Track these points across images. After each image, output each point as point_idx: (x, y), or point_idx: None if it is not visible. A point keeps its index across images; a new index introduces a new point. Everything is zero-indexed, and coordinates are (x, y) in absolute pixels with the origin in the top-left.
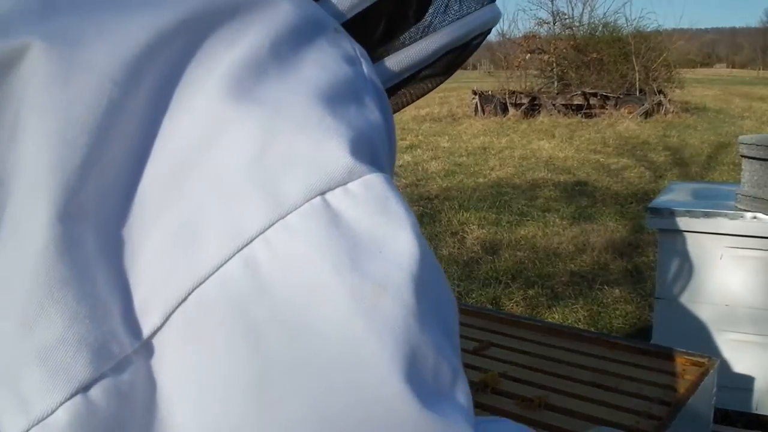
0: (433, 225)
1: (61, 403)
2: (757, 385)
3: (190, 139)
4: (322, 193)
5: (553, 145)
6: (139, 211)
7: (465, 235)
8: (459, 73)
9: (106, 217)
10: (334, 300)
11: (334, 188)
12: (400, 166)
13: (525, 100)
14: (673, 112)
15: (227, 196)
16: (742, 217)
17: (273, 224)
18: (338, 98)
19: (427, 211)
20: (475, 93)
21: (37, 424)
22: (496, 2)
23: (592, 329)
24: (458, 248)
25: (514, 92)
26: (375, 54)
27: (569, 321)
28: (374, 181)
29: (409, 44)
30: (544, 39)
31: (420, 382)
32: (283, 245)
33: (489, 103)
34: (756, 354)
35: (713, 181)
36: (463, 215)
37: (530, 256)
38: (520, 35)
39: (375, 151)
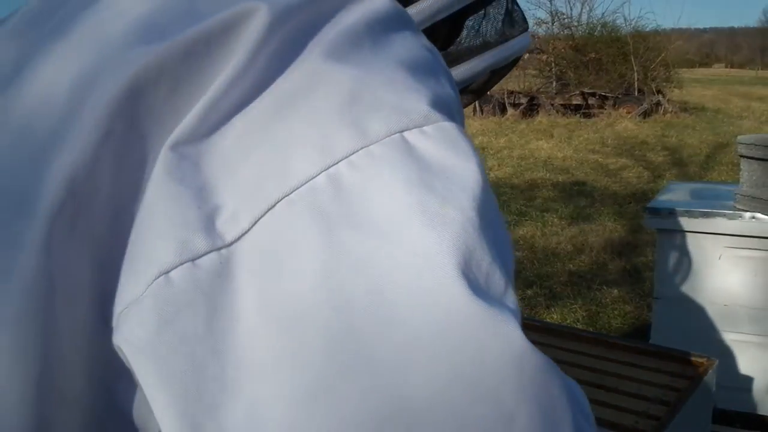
0: None
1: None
2: (757, 385)
3: (294, 86)
4: (401, 131)
5: (551, 145)
6: (244, 132)
7: None
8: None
9: (215, 136)
10: (403, 210)
11: (412, 128)
12: None
13: (523, 100)
14: (671, 112)
15: (320, 126)
16: (740, 217)
17: (357, 150)
18: (420, 70)
19: None
20: None
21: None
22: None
23: (591, 329)
24: None
25: (512, 92)
26: None
27: (568, 321)
28: (447, 126)
29: (460, 62)
30: (543, 39)
31: (474, 279)
32: (365, 166)
33: (487, 103)
34: (755, 354)
35: (712, 181)
36: None
37: (529, 256)
38: None
39: (451, 111)
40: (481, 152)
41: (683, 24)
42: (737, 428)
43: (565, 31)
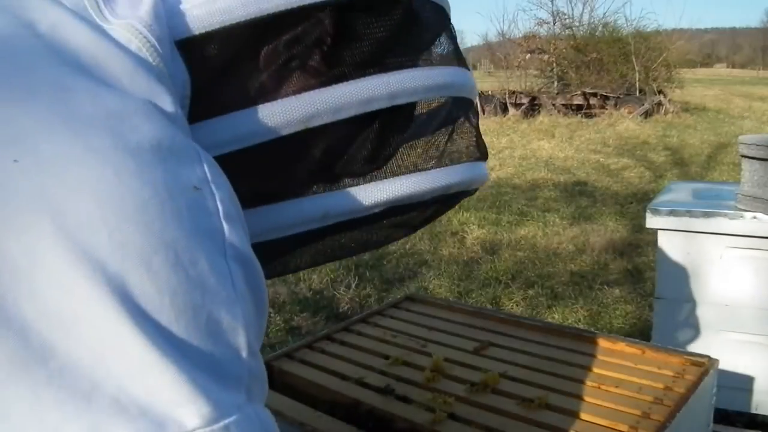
0: (433, 225)
1: None
2: (757, 385)
3: None
4: None
5: (553, 145)
6: None
7: (465, 235)
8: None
9: None
10: None
11: None
12: None
13: (525, 100)
14: (672, 112)
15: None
16: (742, 217)
17: None
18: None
19: None
20: None
21: None
22: (481, 162)
23: (592, 329)
24: (458, 248)
25: (514, 92)
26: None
27: (569, 321)
28: None
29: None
30: (544, 39)
31: None
32: None
33: (489, 103)
34: (756, 354)
35: (713, 181)
36: (463, 215)
37: (530, 256)
38: (520, 35)
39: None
40: None
41: (684, 24)
42: (738, 428)
43: (567, 32)
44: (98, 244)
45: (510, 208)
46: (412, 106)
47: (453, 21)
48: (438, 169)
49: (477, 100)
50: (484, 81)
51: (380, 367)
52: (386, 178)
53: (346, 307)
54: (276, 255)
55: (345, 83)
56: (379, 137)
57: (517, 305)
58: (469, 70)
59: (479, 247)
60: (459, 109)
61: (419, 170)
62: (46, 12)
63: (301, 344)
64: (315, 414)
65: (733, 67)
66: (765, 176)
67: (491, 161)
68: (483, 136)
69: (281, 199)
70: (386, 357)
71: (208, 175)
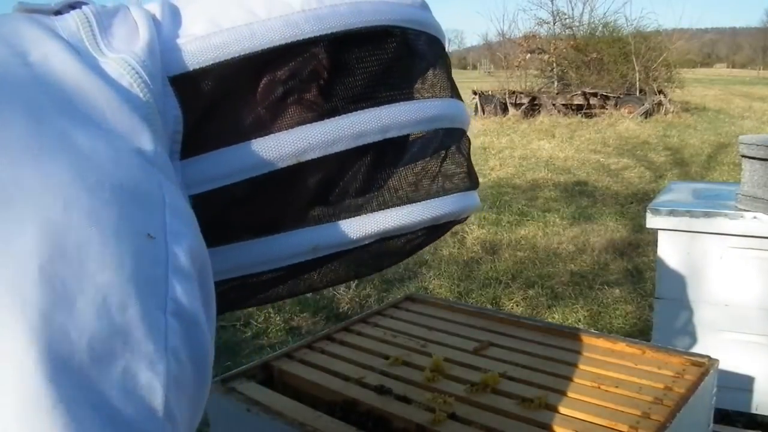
0: None
1: None
2: (757, 385)
3: None
4: None
5: (553, 145)
6: None
7: (465, 235)
8: (458, 73)
9: None
10: None
11: None
12: None
13: (525, 100)
14: (673, 112)
15: None
16: (742, 217)
17: None
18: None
19: None
20: (475, 93)
21: None
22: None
23: (593, 329)
24: (458, 248)
25: (514, 92)
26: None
27: (569, 321)
28: None
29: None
30: (544, 39)
31: None
32: None
33: (489, 103)
34: (756, 354)
35: (713, 181)
36: None
37: (530, 256)
38: (520, 35)
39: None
40: (483, 152)
41: (685, 24)
42: (738, 428)
43: (567, 31)
44: (26, 274)
45: (510, 208)
46: (404, 138)
47: (453, 21)
48: (429, 200)
49: (468, 128)
50: (484, 81)
51: (380, 367)
52: (377, 210)
53: (346, 307)
54: (266, 286)
55: (337, 117)
56: (370, 170)
57: (517, 305)
58: (461, 100)
59: (479, 247)
60: (450, 140)
61: (410, 202)
62: (40, 43)
63: (301, 344)
64: (315, 414)
65: (733, 67)
66: (765, 176)
67: (491, 161)
68: (483, 136)
69: (272, 232)
70: (386, 357)
71: (168, 225)
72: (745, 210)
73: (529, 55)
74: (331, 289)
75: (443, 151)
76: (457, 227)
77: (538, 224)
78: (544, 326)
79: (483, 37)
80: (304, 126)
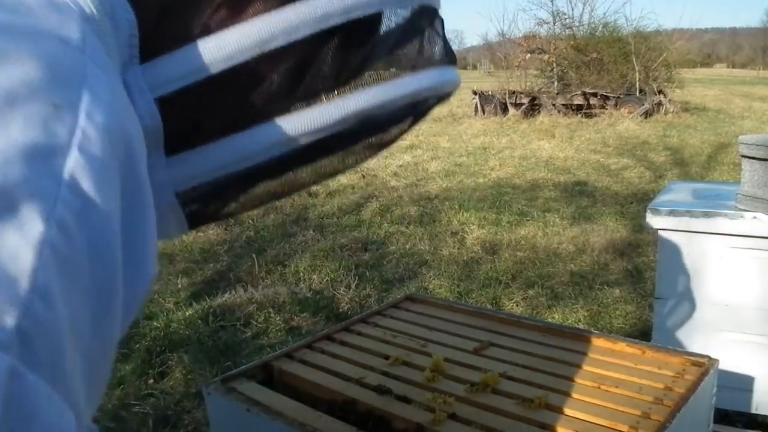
0: (433, 225)
1: None
2: (757, 385)
3: None
4: None
5: (553, 145)
6: None
7: (465, 235)
8: (459, 73)
9: None
10: None
11: None
12: (401, 166)
13: (525, 100)
14: (673, 112)
15: None
16: (742, 217)
17: None
18: None
19: (427, 211)
20: (475, 93)
21: None
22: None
23: (593, 329)
24: (458, 248)
25: (514, 92)
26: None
27: (569, 321)
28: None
29: (299, 110)
30: (544, 39)
31: None
32: None
33: (489, 103)
34: (756, 354)
35: (713, 181)
36: (463, 215)
37: (530, 256)
38: (520, 35)
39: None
40: (483, 152)
41: (685, 24)
42: (738, 428)
43: (567, 32)
44: None
45: (510, 208)
46: (372, 18)
47: (453, 21)
48: (405, 77)
49: (440, 9)
50: (484, 81)
51: (380, 367)
52: (353, 91)
53: (346, 307)
54: (251, 183)
55: (297, 3)
56: (340, 54)
57: (517, 305)
58: None
59: (479, 248)
60: (423, 19)
61: (385, 80)
62: None
63: (301, 344)
64: (315, 414)
65: (733, 67)
66: (765, 176)
67: (491, 161)
68: (483, 136)
69: (248, 126)
70: (386, 357)
71: (84, 102)
72: (745, 210)
73: (529, 55)
74: (331, 289)
75: (416, 31)
76: (457, 227)
77: (538, 224)
78: (544, 326)
79: (483, 37)
80: (262, 15)
